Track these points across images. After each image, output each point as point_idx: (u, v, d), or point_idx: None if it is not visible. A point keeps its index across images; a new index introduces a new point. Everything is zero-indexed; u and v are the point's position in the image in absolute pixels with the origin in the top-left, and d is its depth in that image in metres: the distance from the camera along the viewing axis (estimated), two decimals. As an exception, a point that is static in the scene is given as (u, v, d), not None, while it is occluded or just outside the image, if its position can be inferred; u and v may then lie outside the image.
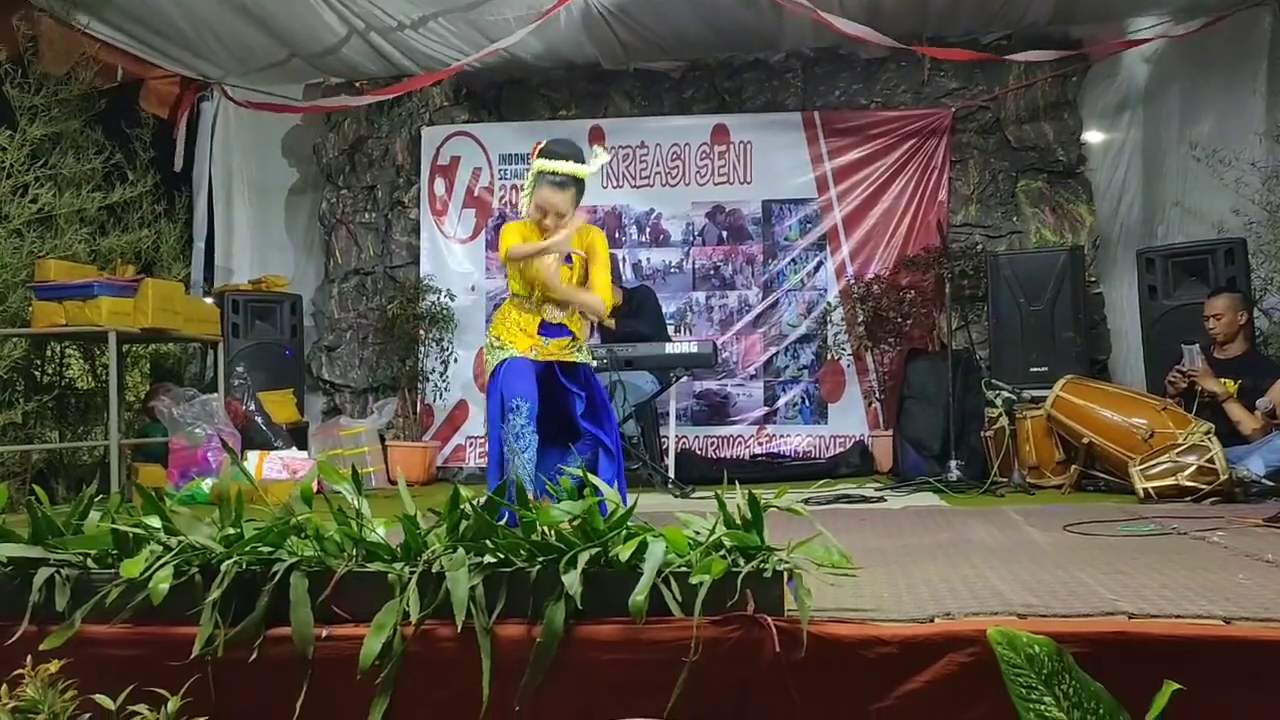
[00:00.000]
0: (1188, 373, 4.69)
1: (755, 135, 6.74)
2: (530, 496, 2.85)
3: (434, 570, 1.93)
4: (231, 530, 2.10)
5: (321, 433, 6.29)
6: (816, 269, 6.68)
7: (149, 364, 6.96)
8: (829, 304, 6.61)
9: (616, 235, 6.88)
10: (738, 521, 1.96)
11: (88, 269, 5.44)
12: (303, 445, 5.96)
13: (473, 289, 6.88)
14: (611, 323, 5.85)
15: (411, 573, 1.94)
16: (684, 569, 1.88)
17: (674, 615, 1.83)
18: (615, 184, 6.86)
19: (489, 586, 1.90)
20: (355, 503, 2.13)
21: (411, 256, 7.02)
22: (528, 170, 3.63)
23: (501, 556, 1.95)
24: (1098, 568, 2.42)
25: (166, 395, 5.60)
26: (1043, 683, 1.51)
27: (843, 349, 6.54)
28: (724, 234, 6.80)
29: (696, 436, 6.60)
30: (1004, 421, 5.02)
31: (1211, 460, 4.04)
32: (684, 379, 5.99)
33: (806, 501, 4.04)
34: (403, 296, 6.71)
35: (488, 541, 1.98)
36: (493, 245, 6.78)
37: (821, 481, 5.28)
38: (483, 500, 2.09)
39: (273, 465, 5.42)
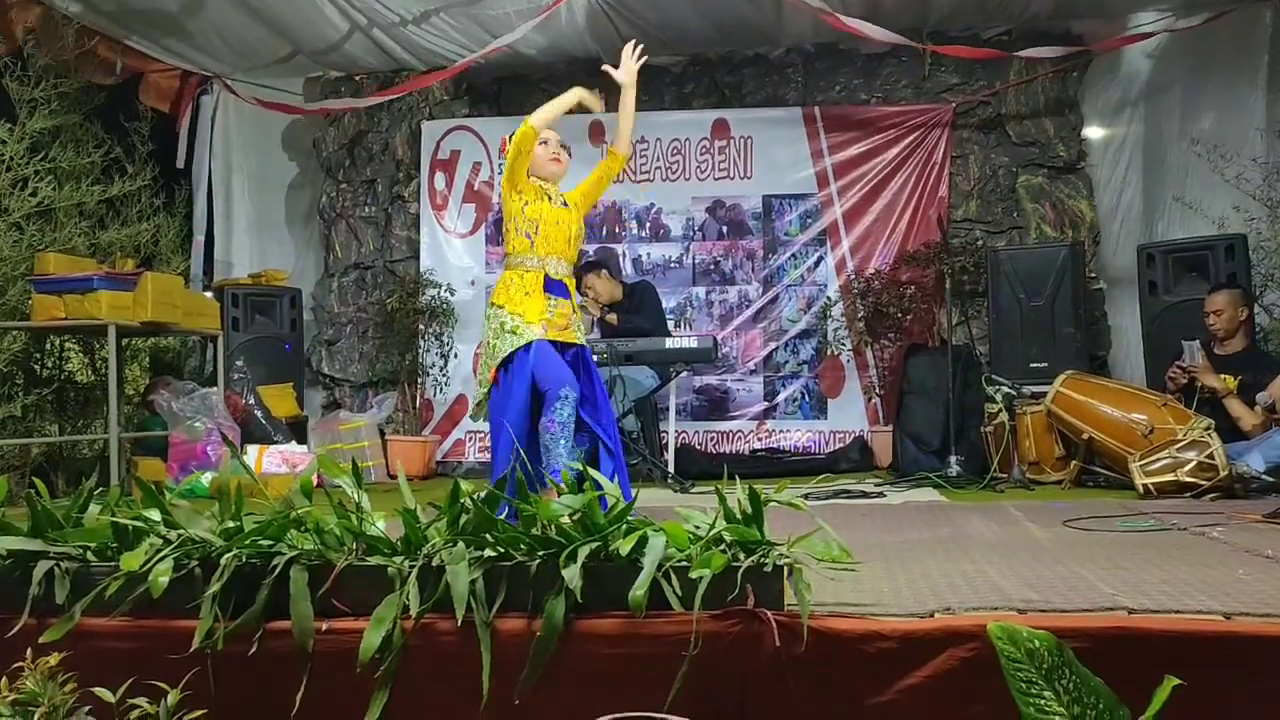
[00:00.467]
0: (1188, 368, 4.69)
1: (756, 130, 6.74)
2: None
3: (434, 564, 1.94)
4: (231, 524, 2.10)
5: (321, 427, 6.29)
6: (817, 264, 6.68)
7: (148, 358, 6.96)
8: (829, 299, 6.61)
9: (617, 230, 6.88)
10: (738, 516, 1.96)
11: (87, 262, 5.43)
12: (302, 439, 5.96)
13: (473, 284, 6.88)
14: (613, 318, 5.86)
15: (411, 566, 1.94)
16: (684, 563, 1.88)
17: (674, 609, 1.84)
18: (615, 179, 6.83)
19: (489, 580, 1.90)
20: (355, 496, 2.13)
21: (411, 251, 7.02)
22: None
23: (501, 550, 1.95)
24: (1097, 563, 2.42)
25: (166, 389, 5.60)
26: (1043, 678, 1.51)
27: (843, 344, 6.54)
28: (724, 229, 6.79)
29: (696, 431, 6.60)
30: (1004, 417, 5.02)
31: (1211, 456, 4.04)
32: (684, 374, 5.99)
33: (806, 497, 4.03)
34: (402, 291, 6.70)
35: (488, 535, 1.98)
36: (493, 240, 6.78)
37: (821, 476, 5.29)
38: (483, 494, 2.09)
39: (272, 459, 5.42)
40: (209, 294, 6.56)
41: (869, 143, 6.58)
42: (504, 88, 7.08)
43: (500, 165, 6.93)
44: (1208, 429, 4.19)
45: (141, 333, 5.93)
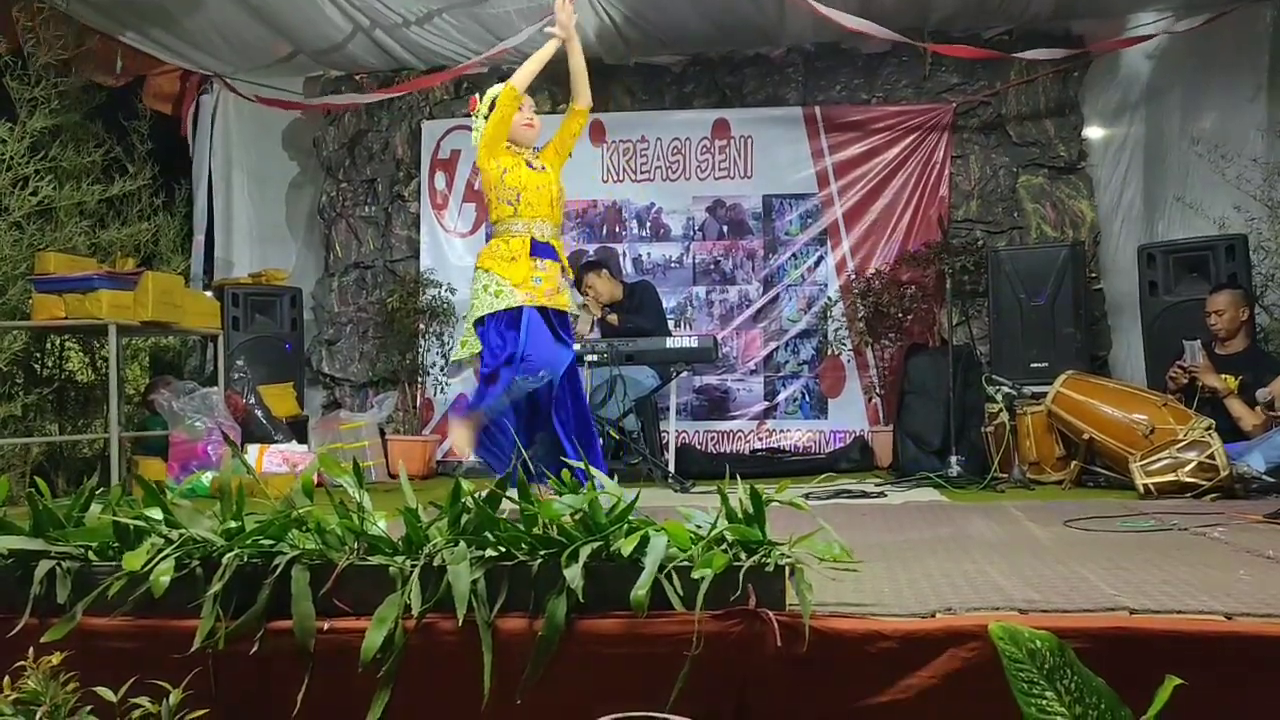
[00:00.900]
0: (1189, 368, 4.69)
1: (756, 130, 6.73)
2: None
3: (435, 564, 1.93)
4: (233, 523, 2.10)
5: (321, 426, 6.29)
6: (817, 264, 6.68)
7: (148, 357, 6.97)
8: (829, 299, 6.60)
9: (617, 229, 6.88)
10: (740, 516, 1.96)
11: (87, 262, 5.43)
12: (302, 439, 5.96)
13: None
14: (614, 319, 5.86)
15: (413, 566, 1.94)
16: (686, 563, 1.88)
17: (676, 609, 1.83)
18: (616, 178, 6.86)
19: (490, 580, 1.90)
20: (356, 496, 2.12)
21: (412, 250, 7.01)
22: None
23: (503, 550, 1.95)
24: (1098, 563, 2.42)
25: (166, 388, 5.60)
26: (1044, 678, 1.50)
27: (843, 344, 6.53)
28: (724, 229, 6.79)
29: (696, 431, 6.60)
30: (1004, 417, 5.02)
31: (1212, 456, 4.03)
32: (684, 374, 5.99)
33: (806, 497, 4.03)
34: (403, 290, 6.70)
35: (489, 535, 1.98)
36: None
37: (821, 476, 5.28)
38: (484, 494, 2.09)
39: (272, 459, 5.42)
40: (209, 293, 6.55)
41: (869, 142, 6.58)
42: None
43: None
44: (1208, 429, 4.19)
45: (142, 332, 5.93)
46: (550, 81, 7.00)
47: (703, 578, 1.82)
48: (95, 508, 2.23)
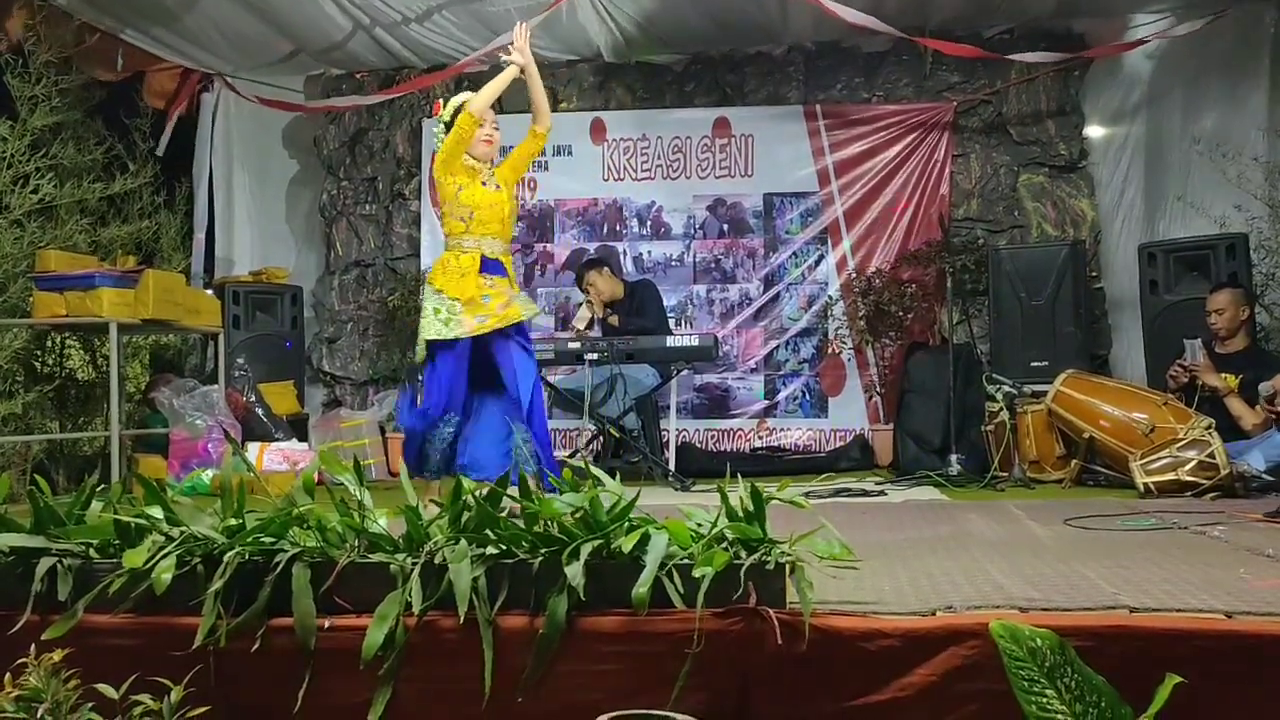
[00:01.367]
0: (1189, 367, 4.69)
1: (757, 128, 6.73)
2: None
3: (436, 561, 1.94)
4: (234, 521, 2.10)
5: (322, 424, 6.29)
6: (818, 262, 6.67)
7: (149, 355, 6.96)
8: (830, 298, 6.60)
9: (618, 228, 6.87)
10: (740, 514, 1.96)
11: (88, 260, 5.43)
12: (303, 437, 5.96)
13: (473, 281, 6.87)
14: (615, 319, 5.85)
15: (414, 564, 1.94)
16: (686, 561, 1.88)
17: (676, 607, 1.84)
18: (616, 177, 6.86)
19: (491, 578, 1.90)
20: (357, 494, 2.13)
21: (412, 249, 7.01)
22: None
23: (504, 548, 1.95)
24: (1099, 562, 2.42)
25: (167, 386, 5.60)
26: (1045, 676, 1.51)
27: (844, 343, 6.53)
28: (725, 227, 6.79)
29: (697, 430, 6.60)
30: (1004, 416, 5.01)
31: (1212, 455, 4.03)
32: (684, 372, 5.99)
33: (807, 495, 4.03)
34: (403, 289, 6.70)
35: (490, 533, 1.98)
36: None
37: (822, 475, 5.29)
38: (485, 492, 2.09)
39: (273, 457, 5.42)
40: (210, 291, 6.54)
41: (870, 141, 6.57)
42: (505, 85, 7.06)
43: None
44: (1208, 428, 4.19)
45: (142, 330, 5.92)
46: (550, 80, 7.02)
47: (703, 576, 1.82)
48: (96, 505, 2.23)
